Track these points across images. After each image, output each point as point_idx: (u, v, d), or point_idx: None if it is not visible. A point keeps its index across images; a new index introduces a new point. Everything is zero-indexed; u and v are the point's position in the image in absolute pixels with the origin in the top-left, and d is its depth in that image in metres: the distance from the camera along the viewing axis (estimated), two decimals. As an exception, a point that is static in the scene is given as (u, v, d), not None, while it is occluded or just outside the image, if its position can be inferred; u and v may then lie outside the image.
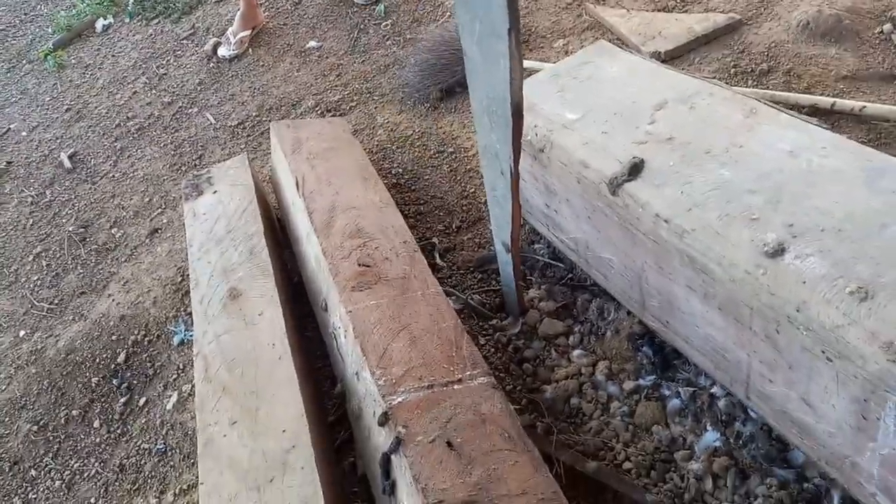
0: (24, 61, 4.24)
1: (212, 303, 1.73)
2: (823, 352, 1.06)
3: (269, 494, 1.26)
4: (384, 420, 1.29)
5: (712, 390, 1.48)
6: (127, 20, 4.23)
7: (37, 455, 1.97)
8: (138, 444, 1.90)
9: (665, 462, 1.43)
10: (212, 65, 3.57)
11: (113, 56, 3.96)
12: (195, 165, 2.94)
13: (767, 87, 2.15)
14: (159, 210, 2.76)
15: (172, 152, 3.07)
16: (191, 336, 2.04)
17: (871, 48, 2.21)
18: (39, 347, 2.29)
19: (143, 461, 1.86)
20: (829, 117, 1.98)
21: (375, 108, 2.88)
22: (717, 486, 1.36)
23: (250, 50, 3.54)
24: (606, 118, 1.56)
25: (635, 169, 1.39)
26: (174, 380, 2.03)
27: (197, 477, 1.38)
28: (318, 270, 1.77)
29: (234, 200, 2.06)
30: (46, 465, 1.94)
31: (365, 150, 2.35)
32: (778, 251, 1.13)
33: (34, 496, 1.88)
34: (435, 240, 2.14)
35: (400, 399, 1.31)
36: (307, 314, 1.95)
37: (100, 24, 4.26)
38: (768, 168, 1.29)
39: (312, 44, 3.43)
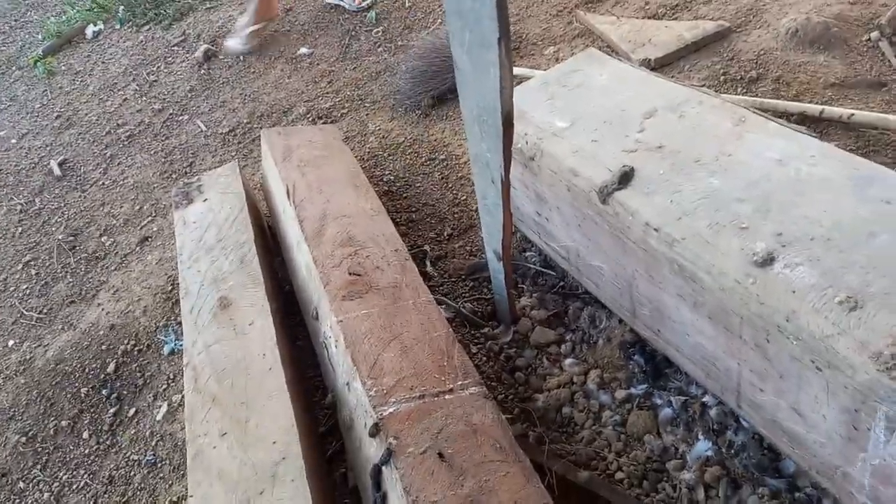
0: (13, 68, 4.22)
1: (202, 312, 1.72)
2: (813, 361, 1.06)
3: (258, 507, 1.25)
4: (375, 431, 1.28)
5: (704, 399, 1.48)
6: (117, 27, 4.22)
7: (25, 467, 1.95)
8: (128, 455, 1.88)
9: (657, 472, 1.43)
10: (203, 71, 3.56)
11: (103, 63, 3.95)
12: (185, 173, 2.93)
13: (756, 95, 2.16)
14: (149, 218, 2.75)
15: (163, 160, 3.06)
16: (181, 346, 2.02)
17: (859, 56, 2.23)
18: (28, 357, 2.27)
19: (132, 473, 1.84)
20: (818, 125, 1.99)
21: (367, 115, 2.88)
22: (709, 495, 1.36)
23: (258, 46, 3.46)
24: (596, 126, 1.56)
25: (625, 177, 1.39)
26: (164, 390, 2.01)
27: (186, 489, 1.36)
28: (308, 279, 1.76)
29: (224, 209, 2.05)
30: (35, 478, 1.92)
31: (356, 157, 2.35)
32: (767, 260, 1.14)
33: (22, 509, 1.86)
34: (426, 248, 2.13)
35: (391, 409, 1.30)
36: (298, 323, 1.94)
37: (90, 30, 4.25)
38: (757, 177, 1.29)
39: (304, 50, 3.42)
